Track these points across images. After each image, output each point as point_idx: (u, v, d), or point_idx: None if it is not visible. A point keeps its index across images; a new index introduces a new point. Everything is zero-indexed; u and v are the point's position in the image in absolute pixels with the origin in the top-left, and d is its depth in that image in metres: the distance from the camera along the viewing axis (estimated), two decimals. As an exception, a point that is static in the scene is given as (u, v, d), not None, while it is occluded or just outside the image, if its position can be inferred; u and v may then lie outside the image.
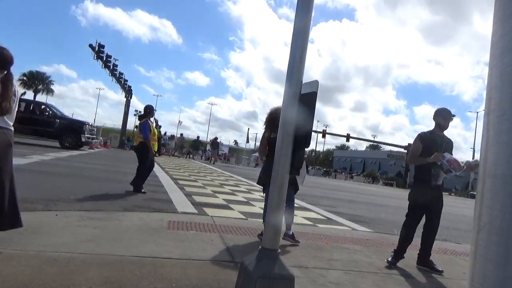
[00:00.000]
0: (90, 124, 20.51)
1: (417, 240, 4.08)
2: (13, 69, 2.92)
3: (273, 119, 4.27)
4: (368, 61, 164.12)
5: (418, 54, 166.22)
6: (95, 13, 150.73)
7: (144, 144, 6.95)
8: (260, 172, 4.79)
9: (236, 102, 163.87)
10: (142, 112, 7.53)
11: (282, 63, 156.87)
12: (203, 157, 42.11)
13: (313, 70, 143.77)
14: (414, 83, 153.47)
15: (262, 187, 4.65)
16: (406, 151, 46.26)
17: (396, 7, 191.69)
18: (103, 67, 28.63)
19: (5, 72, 2.85)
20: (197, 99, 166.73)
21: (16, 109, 2.95)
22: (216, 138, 27.60)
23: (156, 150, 7.45)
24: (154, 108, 7.58)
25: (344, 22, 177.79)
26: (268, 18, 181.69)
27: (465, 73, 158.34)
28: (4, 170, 2.84)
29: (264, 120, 4.58)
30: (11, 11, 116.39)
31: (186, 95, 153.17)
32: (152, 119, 7.42)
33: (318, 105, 2.42)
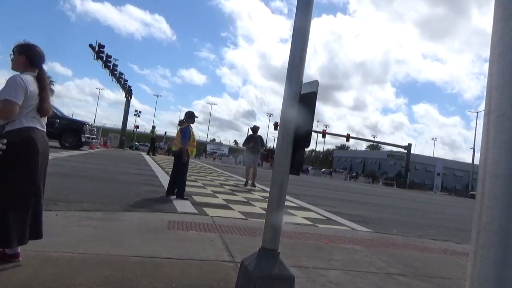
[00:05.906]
0: (90, 124, 20.53)
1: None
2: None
3: None
4: (366, 57, 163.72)
5: (416, 50, 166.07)
6: (83, 8, 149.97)
7: (182, 150, 7.01)
8: None
9: (233, 101, 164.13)
10: (183, 118, 7.39)
11: (278, 60, 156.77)
12: (202, 156, 40.66)
13: (309, 68, 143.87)
14: (414, 80, 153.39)
15: None
16: (406, 151, 46.32)
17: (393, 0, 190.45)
18: (103, 67, 28.70)
19: (37, 71, 2.66)
20: (194, 98, 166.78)
21: None
22: (257, 129, 11.80)
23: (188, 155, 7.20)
24: (196, 115, 7.33)
25: (339, 17, 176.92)
26: (261, 13, 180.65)
27: (465, 70, 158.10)
28: (45, 172, 2.75)
29: None
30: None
31: (183, 94, 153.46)
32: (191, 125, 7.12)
33: (316, 104, 2.42)
